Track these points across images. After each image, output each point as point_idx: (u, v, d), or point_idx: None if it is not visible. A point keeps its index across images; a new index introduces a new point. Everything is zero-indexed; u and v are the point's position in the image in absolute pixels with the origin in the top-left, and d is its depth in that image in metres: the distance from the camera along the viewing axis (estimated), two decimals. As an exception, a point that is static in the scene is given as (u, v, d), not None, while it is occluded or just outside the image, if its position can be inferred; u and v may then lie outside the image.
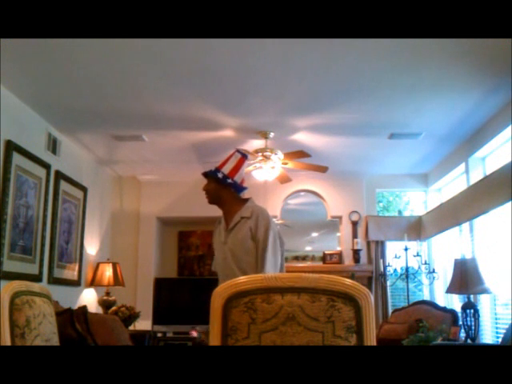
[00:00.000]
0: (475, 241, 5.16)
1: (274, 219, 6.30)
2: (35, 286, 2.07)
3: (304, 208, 7.15)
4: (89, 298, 5.87)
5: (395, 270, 6.38)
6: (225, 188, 3.01)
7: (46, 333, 2.02)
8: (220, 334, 1.37)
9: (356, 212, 6.68)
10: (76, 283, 5.56)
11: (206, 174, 3.09)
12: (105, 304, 5.86)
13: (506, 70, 3.62)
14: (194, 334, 2.97)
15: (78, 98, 4.25)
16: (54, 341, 2.11)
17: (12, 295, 1.87)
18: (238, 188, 3.05)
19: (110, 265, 6.01)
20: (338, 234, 6.84)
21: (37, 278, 4.54)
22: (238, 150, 3.15)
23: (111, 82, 3.95)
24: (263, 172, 5.12)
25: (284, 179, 5.61)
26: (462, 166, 5.42)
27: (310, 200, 6.93)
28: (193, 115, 4.60)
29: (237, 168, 3.04)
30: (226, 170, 3.02)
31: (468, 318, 4.36)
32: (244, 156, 3.10)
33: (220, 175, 2.99)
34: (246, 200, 3.06)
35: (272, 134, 5.03)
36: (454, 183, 6.05)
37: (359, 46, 3.32)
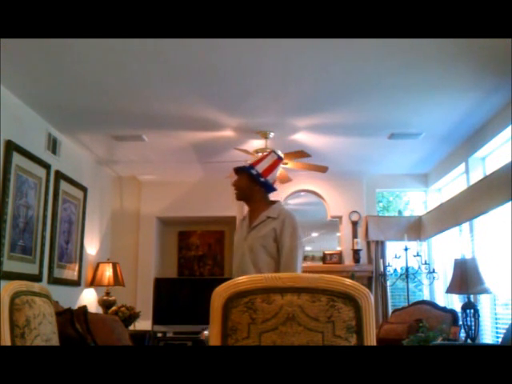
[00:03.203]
0: (475, 241, 5.16)
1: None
2: (35, 286, 2.07)
3: (304, 208, 7.15)
4: (89, 298, 5.87)
5: (395, 270, 6.38)
6: (256, 186, 3.03)
7: (46, 333, 2.02)
8: (220, 333, 1.37)
9: (356, 212, 6.68)
10: (76, 283, 5.56)
11: (238, 170, 3.10)
12: (105, 304, 5.86)
13: (506, 70, 3.61)
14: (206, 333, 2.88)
15: (78, 97, 4.25)
16: (54, 341, 2.10)
17: (12, 295, 1.87)
18: (269, 188, 3.08)
19: (110, 265, 6.01)
20: (338, 234, 6.84)
21: (37, 278, 4.54)
22: (274, 151, 3.19)
23: (111, 81, 3.95)
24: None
25: (284, 179, 5.61)
26: (462, 166, 5.42)
27: (310, 200, 6.92)
28: (193, 115, 4.60)
29: (271, 168, 3.07)
30: (261, 168, 3.03)
31: (468, 318, 4.36)
32: (280, 158, 3.14)
33: (254, 172, 3.01)
34: (274, 202, 3.09)
35: (272, 134, 5.03)
36: (453, 183, 6.05)
37: (359, 46, 3.31)
